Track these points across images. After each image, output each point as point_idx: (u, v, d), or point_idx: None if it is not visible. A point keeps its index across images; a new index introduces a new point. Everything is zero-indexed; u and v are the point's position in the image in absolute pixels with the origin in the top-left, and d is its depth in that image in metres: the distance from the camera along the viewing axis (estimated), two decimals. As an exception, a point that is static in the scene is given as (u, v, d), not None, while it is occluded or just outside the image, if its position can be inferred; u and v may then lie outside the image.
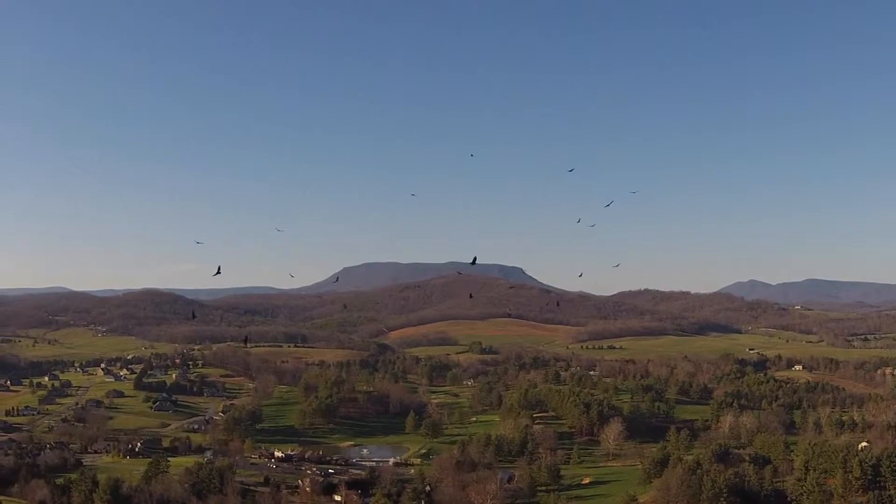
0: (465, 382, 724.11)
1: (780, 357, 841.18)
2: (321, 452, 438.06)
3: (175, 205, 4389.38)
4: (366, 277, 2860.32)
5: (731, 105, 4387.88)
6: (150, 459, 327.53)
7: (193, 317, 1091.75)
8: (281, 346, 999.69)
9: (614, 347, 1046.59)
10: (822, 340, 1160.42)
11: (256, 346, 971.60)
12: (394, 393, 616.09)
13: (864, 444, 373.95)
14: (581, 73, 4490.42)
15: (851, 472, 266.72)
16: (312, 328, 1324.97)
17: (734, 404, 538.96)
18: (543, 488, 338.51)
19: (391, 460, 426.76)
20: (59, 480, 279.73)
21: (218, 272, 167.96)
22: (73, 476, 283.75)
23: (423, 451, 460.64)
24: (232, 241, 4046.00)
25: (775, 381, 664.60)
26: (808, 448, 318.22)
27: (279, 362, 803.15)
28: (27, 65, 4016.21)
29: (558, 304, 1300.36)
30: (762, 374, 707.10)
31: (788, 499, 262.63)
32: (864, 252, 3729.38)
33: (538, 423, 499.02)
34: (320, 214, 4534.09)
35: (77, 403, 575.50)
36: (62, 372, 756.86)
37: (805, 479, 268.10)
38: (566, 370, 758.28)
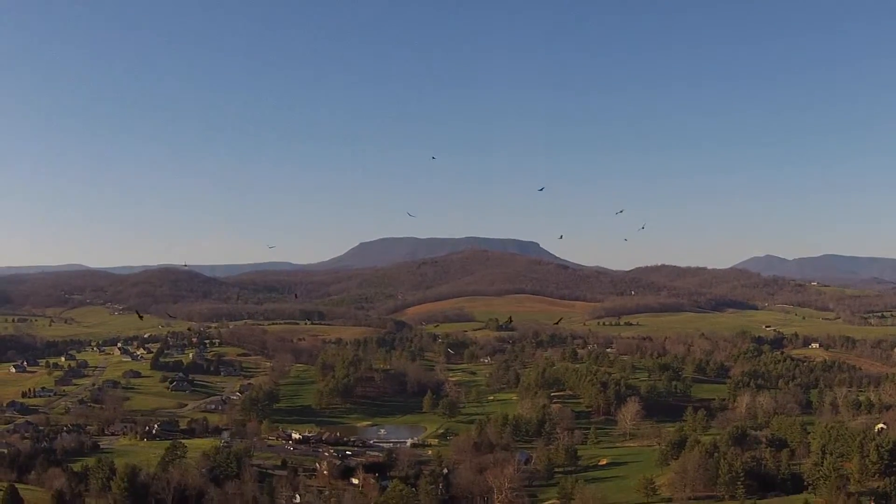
0: (482, 360, 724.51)
1: (796, 335, 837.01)
2: (338, 433, 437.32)
3: (192, 182, 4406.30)
4: (383, 252, 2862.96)
5: (747, 84, 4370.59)
6: (167, 444, 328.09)
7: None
8: (297, 324, 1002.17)
9: (631, 324, 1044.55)
10: (839, 318, 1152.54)
11: (273, 324, 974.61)
12: (411, 371, 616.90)
13: (880, 425, 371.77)
14: (597, 53, 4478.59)
15: (868, 456, 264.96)
16: (329, 304, 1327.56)
17: (751, 384, 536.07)
18: (561, 470, 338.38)
19: (408, 441, 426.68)
20: (76, 466, 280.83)
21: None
22: (91, 461, 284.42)
23: (441, 431, 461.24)
24: (248, 218, 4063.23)
25: (792, 359, 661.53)
26: (824, 431, 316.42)
27: (296, 340, 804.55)
28: (43, 44, 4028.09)
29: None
30: (779, 353, 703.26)
31: (805, 483, 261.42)
32: (882, 228, 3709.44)
33: (555, 403, 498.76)
34: (337, 189, 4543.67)
35: (94, 384, 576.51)
36: (78, 352, 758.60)
37: (822, 463, 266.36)
38: (583, 348, 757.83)
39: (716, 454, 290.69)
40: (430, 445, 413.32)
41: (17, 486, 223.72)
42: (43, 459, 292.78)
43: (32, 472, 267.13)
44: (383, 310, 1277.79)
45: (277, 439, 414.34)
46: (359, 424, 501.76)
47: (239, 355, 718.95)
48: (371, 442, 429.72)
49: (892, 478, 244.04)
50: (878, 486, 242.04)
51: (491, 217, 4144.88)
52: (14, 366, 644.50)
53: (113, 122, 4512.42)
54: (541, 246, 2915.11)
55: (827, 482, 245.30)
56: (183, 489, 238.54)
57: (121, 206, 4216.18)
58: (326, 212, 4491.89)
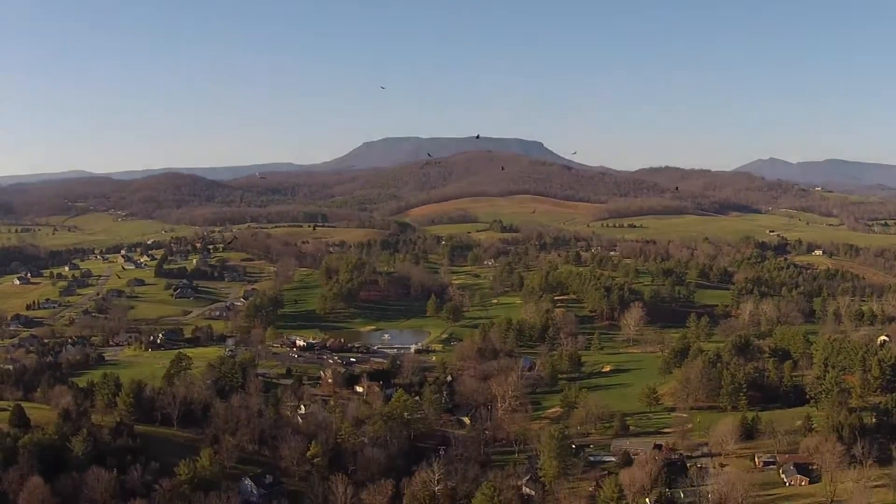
0: (485, 262, 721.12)
1: (800, 241, 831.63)
2: (342, 340, 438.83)
3: (194, 82, 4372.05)
4: (386, 153, 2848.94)
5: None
6: (172, 354, 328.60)
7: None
8: (301, 227, 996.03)
9: (635, 226, 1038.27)
10: (843, 224, 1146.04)
11: (276, 227, 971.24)
12: (415, 275, 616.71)
13: (883, 337, 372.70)
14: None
15: (870, 371, 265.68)
16: (332, 206, 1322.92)
17: (754, 291, 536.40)
18: (564, 376, 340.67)
19: (412, 347, 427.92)
20: (82, 381, 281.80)
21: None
22: (96, 375, 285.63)
23: (445, 335, 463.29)
24: (250, 117, 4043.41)
25: (795, 266, 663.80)
26: (827, 343, 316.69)
27: (299, 244, 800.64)
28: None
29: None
30: (782, 259, 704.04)
31: (807, 396, 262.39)
32: (888, 133, 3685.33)
33: (559, 307, 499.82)
34: (340, 87, 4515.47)
35: (98, 294, 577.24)
36: (82, 260, 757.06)
37: (824, 376, 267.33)
38: (587, 250, 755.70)
39: (718, 364, 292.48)
40: (433, 351, 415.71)
41: (23, 404, 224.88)
42: (49, 376, 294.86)
43: (38, 390, 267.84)
44: (387, 211, 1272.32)
45: (282, 346, 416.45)
46: (363, 329, 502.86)
47: (243, 260, 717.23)
48: (375, 348, 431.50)
49: (894, 394, 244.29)
50: (880, 402, 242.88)
51: (494, 115, 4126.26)
52: (18, 278, 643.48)
53: (108, 20, 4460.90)
54: (544, 146, 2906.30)
55: (829, 396, 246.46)
56: (189, 403, 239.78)
57: (120, 109, 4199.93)
58: (329, 110, 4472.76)
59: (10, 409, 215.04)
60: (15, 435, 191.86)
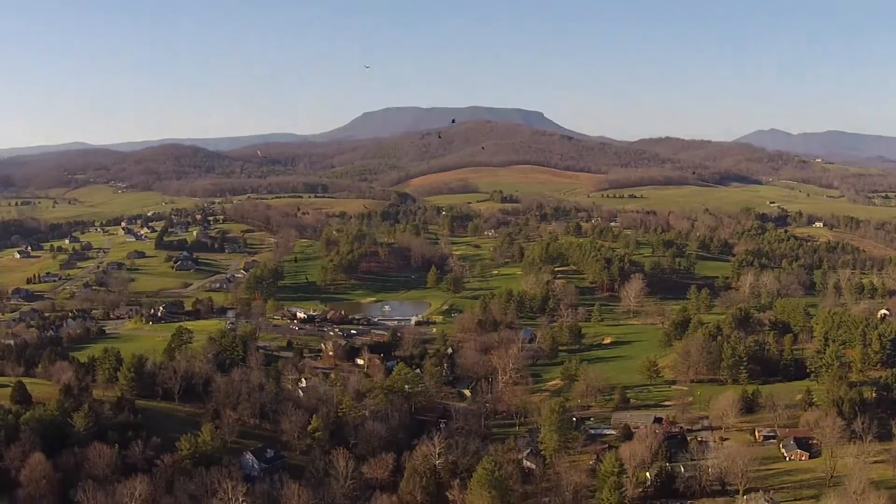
0: (486, 233, 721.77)
1: (800, 213, 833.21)
2: (343, 312, 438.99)
3: (194, 53, 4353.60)
4: (386, 123, 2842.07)
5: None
6: (173, 327, 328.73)
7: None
8: (301, 197, 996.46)
9: (635, 197, 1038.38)
10: (843, 196, 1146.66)
11: (277, 198, 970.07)
12: (415, 246, 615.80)
13: (883, 311, 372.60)
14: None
15: (870, 345, 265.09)
16: (332, 177, 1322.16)
17: (755, 263, 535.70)
18: (565, 348, 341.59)
19: (413, 319, 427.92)
20: (82, 356, 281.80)
21: None
22: (97, 349, 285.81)
23: (445, 307, 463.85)
24: (250, 87, 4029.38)
25: (796, 238, 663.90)
26: (827, 317, 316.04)
27: (299, 214, 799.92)
28: None
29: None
30: (783, 231, 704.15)
31: (808, 369, 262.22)
32: (888, 105, 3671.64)
33: (559, 278, 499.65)
34: (340, 58, 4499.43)
35: (98, 267, 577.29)
36: (82, 233, 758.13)
37: (824, 351, 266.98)
38: (587, 221, 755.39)
39: (719, 337, 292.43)
40: (434, 323, 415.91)
41: (24, 380, 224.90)
42: (49, 351, 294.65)
43: (39, 366, 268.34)
44: (387, 181, 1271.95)
45: (283, 319, 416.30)
46: (363, 301, 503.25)
47: (243, 231, 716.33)
48: (376, 320, 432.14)
49: (894, 369, 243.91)
50: (880, 377, 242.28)
51: (495, 85, 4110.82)
52: (18, 251, 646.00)
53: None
54: (545, 116, 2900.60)
55: (829, 370, 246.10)
56: (190, 377, 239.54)
57: (120, 80, 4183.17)
58: (329, 80, 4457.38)
59: (12, 385, 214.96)
60: (16, 411, 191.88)
